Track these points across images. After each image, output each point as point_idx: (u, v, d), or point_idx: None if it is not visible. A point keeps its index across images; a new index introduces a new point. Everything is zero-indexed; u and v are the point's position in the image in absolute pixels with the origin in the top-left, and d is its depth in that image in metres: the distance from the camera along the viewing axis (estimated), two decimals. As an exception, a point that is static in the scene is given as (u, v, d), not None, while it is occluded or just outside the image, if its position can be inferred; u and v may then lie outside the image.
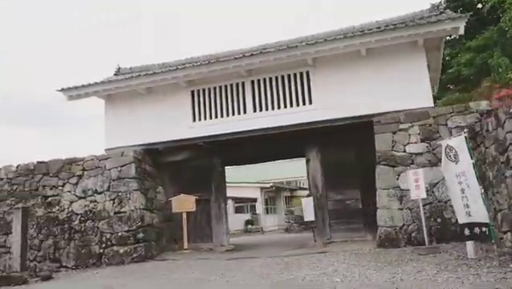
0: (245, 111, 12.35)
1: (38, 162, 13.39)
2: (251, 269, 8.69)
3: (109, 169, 12.57)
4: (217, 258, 11.25)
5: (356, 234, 11.86)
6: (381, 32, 10.97)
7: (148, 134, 12.99)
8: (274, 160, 15.68)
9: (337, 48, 11.15)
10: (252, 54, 11.76)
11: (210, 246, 13.07)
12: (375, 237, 11.36)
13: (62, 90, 13.15)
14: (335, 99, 11.46)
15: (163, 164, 13.73)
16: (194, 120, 12.80)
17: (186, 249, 12.53)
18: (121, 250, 11.72)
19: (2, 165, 13.81)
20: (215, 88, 12.74)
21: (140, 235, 11.72)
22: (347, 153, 12.19)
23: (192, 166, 13.55)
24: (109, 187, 12.41)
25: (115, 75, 15.39)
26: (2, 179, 13.54)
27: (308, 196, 12.38)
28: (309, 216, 11.69)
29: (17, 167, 13.60)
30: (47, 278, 9.78)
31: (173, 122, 12.83)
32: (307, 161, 12.63)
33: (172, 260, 11.28)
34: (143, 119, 13.19)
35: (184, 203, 12.74)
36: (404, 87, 10.88)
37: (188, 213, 12.94)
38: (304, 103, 11.84)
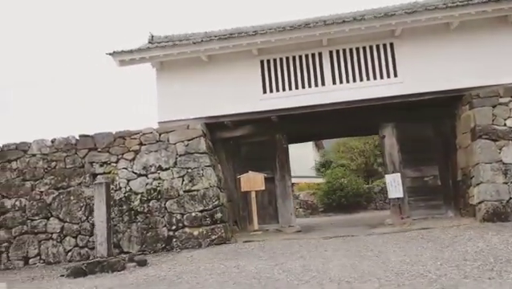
0: (323, 84, 11.63)
1: (82, 136, 11.70)
2: (368, 247, 8.09)
3: (174, 144, 11.27)
4: (302, 238, 10.52)
5: (436, 211, 11.68)
6: (464, 6, 10.76)
7: (210, 106, 11.83)
8: (342, 136, 15.11)
9: (419, 21, 10.80)
10: (327, 24, 11.06)
11: (276, 226, 12.24)
12: (458, 213, 11.31)
13: (114, 53, 11.56)
14: (423, 73, 11.13)
15: (220, 139, 12.62)
16: (265, 91, 11.85)
17: (256, 230, 11.61)
18: (195, 232, 10.57)
19: (32, 139, 11.89)
20: (288, 58, 11.87)
21: (219, 215, 10.62)
22: (425, 129, 11.97)
23: (252, 142, 12.62)
24: (176, 163, 11.13)
25: (149, 43, 13.89)
26: (34, 155, 11.67)
27: (386, 173, 11.96)
28: (395, 193, 11.29)
29: (52, 141, 11.80)
30: (143, 263, 8.46)
31: (241, 94, 11.79)
32: (382, 138, 12.22)
33: (258, 241, 10.33)
34: (203, 90, 11.99)
35: (253, 181, 11.79)
36: (497, 62, 10.80)
37: (248, 192, 12.02)
38: (388, 76, 11.38)
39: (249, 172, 11.85)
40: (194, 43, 11.33)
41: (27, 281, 8.44)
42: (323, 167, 27.89)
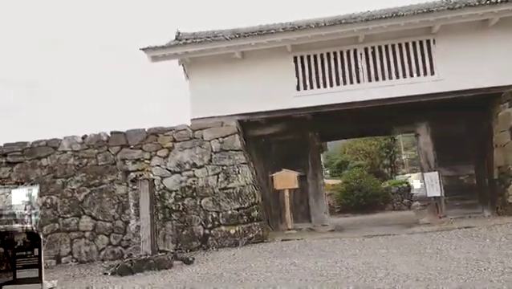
0: (358, 81, 11.49)
1: (113, 132, 11.52)
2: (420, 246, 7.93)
3: (208, 141, 11.10)
4: (341, 236, 10.36)
5: (472, 210, 11.55)
6: (505, 3, 10.65)
7: (242, 104, 11.67)
8: (374, 135, 14.96)
9: (459, 17, 10.69)
10: (367, 20, 10.94)
11: (308, 226, 12.08)
12: (494, 212, 11.17)
13: (148, 49, 11.39)
14: (461, 70, 11.00)
15: (251, 137, 12.46)
16: (299, 88, 11.70)
17: (290, 229, 11.44)
18: (232, 231, 10.39)
19: (62, 136, 11.70)
20: (322, 55, 11.73)
21: (256, 213, 10.45)
22: (460, 127, 11.85)
23: (284, 140, 12.47)
24: (210, 160, 10.95)
25: (176, 39, 13.72)
26: (65, 152, 11.48)
27: (423, 171, 11.82)
28: (432, 191, 11.14)
29: (83, 138, 11.61)
30: (189, 261, 8.28)
31: (274, 91, 11.63)
32: (416, 136, 12.09)
33: (297, 240, 10.16)
34: (235, 87, 11.83)
35: (287, 180, 11.64)
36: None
37: (278, 190, 11.88)
38: (425, 74, 11.24)
39: (283, 170, 11.68)
40: (230, 39, 11.18)
41: (70, 279, 8.24)
42: (339, 168, 27.76)
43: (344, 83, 11.53)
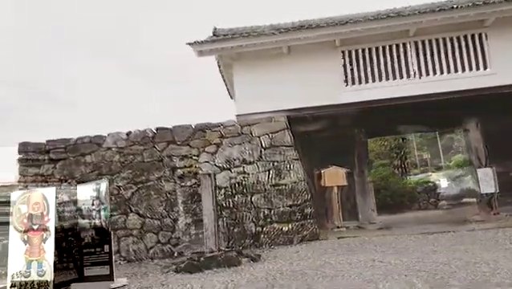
0: (408, 76, 11.27)
1: (159, 128, 11.30)
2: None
3: (258, 136, 10.87)
4: (398, 233, 10.13)
5: (524, 206, 11.31)
6: None
7: (289, 99, 11.43)
8: (422, 131, 14.72)
9: None
10: (420, 13, 10.73)
11: (355, 223, 11.85)
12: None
13: (194, 44, 11.19)
14: (517, 64, 10.76)
15: (296, 133, 12.16)
16: (346, 83, 11.48)
17: (339, 227, 11.22)
18: (285, 228, 10.17)
19: (106, 132, 11.49)
20: (370, 49, 11.50)
21: (309, 210, 10.23)
22: (511, 123, 11.60)
23: (329, 136, 12.24)
24: (261, 156, 10.73)
25: (214, 35, 13.50)
26: (109, 149, 11.26)
27: (479, 167, 11.54)
28: (486, 188, 10.91)
29: (127, 134, 11.38)
30: (255, 258, 8.04)
31: (321, 86, 11.40)
32: (465, 131, 11.87)
33: (352, 237, 9.95)
34: (281, 82, 11.59)
35: (336, 176, 11.42)
36: None
37: (325, 187, 11.65)
38: (478, 68, 11.02)
39: (332, 166, 11.47)
40: (279, 33, 10.97)
41: (133, 277, 8.00)
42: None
43: (394, 77, 11.31)
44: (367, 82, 11.40)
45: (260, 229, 10.22)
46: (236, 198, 10.45)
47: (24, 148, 11.40)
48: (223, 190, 10.59)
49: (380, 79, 11.35)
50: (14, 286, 7.11)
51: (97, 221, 7.24)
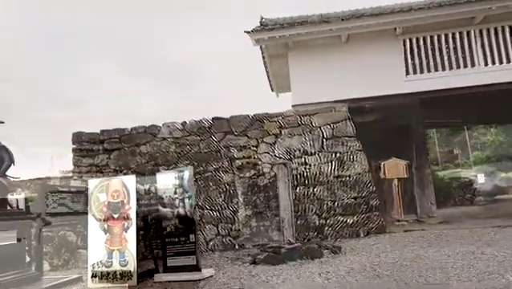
0: (472, 65, 10.90)
1: (215, 118, 11.06)
2: None
3: (319, 127, 10.59)
4: (466, 227, 9.81)
5: None
6: None
7: (347, 89, 11.13)
8: (485, 123, 14.36)
9: None
10: None
11: (414, 217, 11.55)
12: None
13: (253, 32, 10.93)
14: None
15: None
16: (408, 73, 11.13)
17: (400, 220, 10.91)
18: (349, 220, 9.89)
19: (161, 123, 11.27)
20: (432, 37, 11.15)
21: (374, 202, 9.94)
22: None
23: (386, 127, 11.91)
24: (322, 147, 10.44)
25: (261, 25, 13.21)
26: (165, 139, 11.05)
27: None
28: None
29: (183, 124, 11.15)
30: (336, 250, 7.78)
31: (381, 76, 11.08)
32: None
33: (419, 230, 9.66)
34: (339, 72, 11.31)
35: (396, 168, 11.11)
36: None
37: (383, 180, 11.34)
38: (548, 57, 10.63)
39: (392, 158, 11.16)
40: (341, 20, 10.64)
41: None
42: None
43: (457, 66, 10.96)
44: (429, 71, 11.05)
45: (324, 221, 9.96)
46: (298, 190, 10.18)
47: (78, 138, 11.23)
48: (284, 182, 10.29)
49: (443, 69, 11.00)
50: (95, 276, 6.91)
51: (181, 210, 7.02)
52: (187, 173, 7.06)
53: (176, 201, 7.05)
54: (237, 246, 10.02)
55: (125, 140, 11.11)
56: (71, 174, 16.41)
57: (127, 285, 6.70)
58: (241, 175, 10.49)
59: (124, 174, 10.66)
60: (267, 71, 15.36)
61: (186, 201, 6.95)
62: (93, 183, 7.38)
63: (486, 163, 26.89)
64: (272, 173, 10.42)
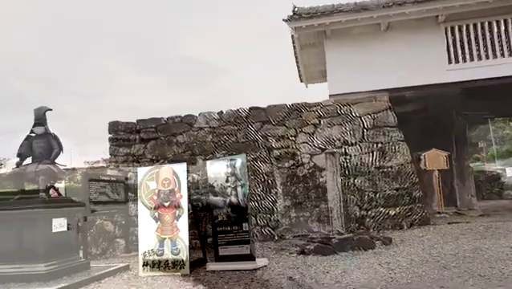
0: (514, 53, 10.58)
1: (252, 108, 10.91)
2: None
3: (359, 116, 10.38)
4: (503, 220, 9.56)
5: None
6: None
7: (388, 78, 10.90)
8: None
9: None
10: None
11: (453, 209, 11.31)
12: None
13: (292, 19, 10.74)
14: None
15: (390, 115, 11.67)
16: (450, 61, 10.86)
17: (440, 212, 10.70)
18: (392, 212, 9.69)
19: (197, 113, 11.16)
20: (475, 25, 10.85)
21: (418, 194, 9.74)
22: None
23: (425, 118, 11.70)
24: (363, 137, 10.25)
25: (294, 14, 12.97)
26: (202, 128, 10.94)
27: None
28: None
29: (219, 114, 11.03)
30: (387, 241, 7.61)
31: (423, 64, 10.82)
32: None
33: (466, 223, 9.44)
34: (379, 60, 11.07)
35: (437, 160, 10.88)
36: None
37: (423, 171, 11.10)
38: None
39: (433, 149, 10.92)
40: (382, 7, 10.38)
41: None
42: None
43: (502, 55, 10.66)
44: (471, 60, 10.76)
45: (365, 212, 9.79)
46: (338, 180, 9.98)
47: (114, 127, 11.19)
48: (325, 172, 10.13)
49: (487, 57, 10.70)
50: (147, 265, 6.84)
51: (233, 199, 6.90)
52: (240, 161, 6.94)
53: (228, 190, 6.94)
54: (276, 237, 9.90)
55: (161, 129, 11.03)
56: (98, 164, 16.48)
57: (179, 274, 6.63)
58: (280, 165, 10.36)
59: (161, 164, 10.60)
60: (297, 62, 15.17)
61: (239, 189, 6.84)
62: (142, 171, 7.30)
63: (507, 157, 26.40)
64: (311, 164, 10.28)
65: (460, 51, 10.81)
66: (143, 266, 6.88)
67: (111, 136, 11.15)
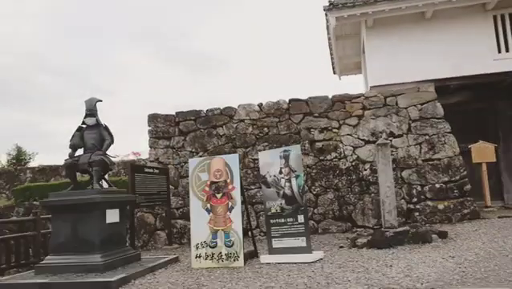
0: None
1: (293, 100, 10.73)
2: None
3: (405, 108, 10.10)
4: None
5: None
6: None
7: (432, 69, 10.64)
8: None
9: None
10: None
11: (500, 203, 10.95)
12: None
13: (333, 9, 10.50)
14: None
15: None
16: (499, 51, 10.48)
17: (488, 206, 10.35)
18: (440, 206, 9.42)
19: (237, 104, 11.04)
20: (526, 13, 10.41)
21: (468, 187, 9.43)
22: None
23: (469, 109, 11.31)
24: (409, 129, 9.97)
25: (330, 4, 12.71)
26: (242, 121, 10.82)
27: None
28: None
29: (259, 106, 10.89)
30: (443, 235, 7.37)
31: (470, 54, 10.54)
32: None
33: (515, 217, 9.09)
34: (424, 50, 10.85)
35: (484, 152, 10.50)
36: None
37: (468, 164, 10.70)
38: None
39: (480, 141, 10.56)
40: (429, -5, 10.06)
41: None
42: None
43: (554, 44, 10.21)
44: (522, 49, 10.35)
45: (412, 206, 9.53)
46: (383, 173, 9.73)
47: (153, 119, 11.16)
48: (368, 165, 9.94)
49: (539, 46, 10.28)
50: (199, 257, 6.77)
51: (287, 190, 6.76)
52: (294, 152, 6.79)
53: (282, 181, 6.80)
54: (320, 230, 9.75)
55: (201, 121, 10.96)
56: (129, 157, 16.50)
57: (233, 266, 6.53)
58: (322, 157, 10.17)
59: (201, 156, 10.55)
60: (331, 54, 14.96)
61: (293, 180, 6.69)
62: (193, 162, 7.22)
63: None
64: (354, 156, 10.07)
65: (510, 40, 10.40)
66: (196, 258, 6.81)
67: (150, 128, 11.14)
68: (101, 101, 7.44)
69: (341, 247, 7.62)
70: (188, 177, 10.45)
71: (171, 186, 10.33)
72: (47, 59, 51.74)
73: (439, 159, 9.63)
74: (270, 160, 7.01)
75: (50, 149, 42.29)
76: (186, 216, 10.43)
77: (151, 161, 10.96)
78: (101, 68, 57.07)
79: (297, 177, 6.68)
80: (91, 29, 55.71)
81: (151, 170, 9.40)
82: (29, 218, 8.61)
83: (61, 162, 20.05)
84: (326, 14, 12.50)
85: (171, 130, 11.07)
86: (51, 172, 19.11)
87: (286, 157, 6.80)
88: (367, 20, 10.92)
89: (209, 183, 6.99)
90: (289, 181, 6.74)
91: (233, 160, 7.00)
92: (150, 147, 11.11)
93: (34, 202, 13.52)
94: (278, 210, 6.81)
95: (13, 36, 50.91)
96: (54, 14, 53.51)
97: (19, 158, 22.77)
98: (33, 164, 22.04)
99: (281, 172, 6.84)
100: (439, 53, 10.61)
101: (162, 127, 11.09)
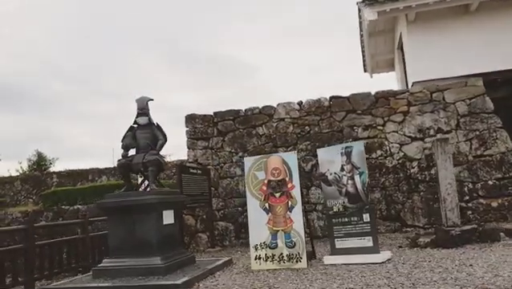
0: None
1: (334, 97, 10.48)
2: None
3: (452, 103, 9.78)
4: None
5: None
6: None
7: (477, 63, 10.25)
8: None
9: None
10: None
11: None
12: None
13: (374, 3, 10.23)
14: None
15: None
16: (547, 43, 10.09)
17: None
18: (494, 204, 9.06)
19: (276, 103, 10.81)
20: None
21: (523, 184, 9.05)
22: None
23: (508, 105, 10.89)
24: (458, 125, 9.65)
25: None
26: (282, 120, 10.59)
27: None
28: None
29: (299, 104, 10.64)
30: (511, 233, 7.04)
31: (516, 46, 10.11)
32: None
33: None
34: (466, 44, 10.46)
35: (535, 147, 10.08)
36: None
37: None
38: None
39: (530, 136, 10.16)
40: (475, -14, 9.76)
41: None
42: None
43: None
44: None
45: (464, 204, 9.18)
46: (432, 171, 9.44)
47: (191, 120, 10.99)
48: (416, 162, 9.64)
49: None
50: (259, 258, 6.53)
51: (350, 188, 6.51)
52: (357, 148, 6.54)
53: (344, 179, 6.54)
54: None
55: (240, 121, 10.76)
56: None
57: (296, 267, 6.29)
58: (367, 155, 9.85)
59: (240, 157, 10.35)
60: (363, 51, 14.68)
61: (357, 178, 6.44)
62: (249, 161, 7.00)
63: None
64: (401, 154, 9.77)
65: (560, 31, 10.04)
66: (255, 259, 6.58)
67: (187, 128, 10.96)
68: (152, 100, 7.27)
69: (400, 247, 7.35)
70: (228, 178, 10.31)
71: (211, 187, 10.14)
72: (60, 66, 52.05)
73: (491, 155, 9.29)
74: (329, 158, 6.76)
75: (69, 154, 42.46)
76: (227, 218, 10.25)
77: (189, 162, 10.77)
78: (112, 74, 57.20)
79: (361, 174, 6.43)
80: (118, 33, 55.93)
81: (194, 171, 9.21)
82: (77, 221, 8.46)
83: (84, 166, 20.07)
84: (359, 10, 12.26)
85: (209, 130, 10.88)
86: (78, 177, 19.09)
87: (347, 154, 6.55)
88: (409, 14, 10.63)
89: (266, 182, 6.76)
90: (352, 178, 6.49)
91: (291, 158, 6.76)
92: (188, 148, 10.93)
93: (63, 207, 13.41)
94: (341, 209, 6.56)
95: (30, 43, 51.37)
96: (66, 19, 53.93)
97: (40, 164, 22.78)
98: (57, 168, 22.06)
99: (343, 170, 6.59)
100: (484, 46, 10.25)
101: (200, 127, 10.91)
